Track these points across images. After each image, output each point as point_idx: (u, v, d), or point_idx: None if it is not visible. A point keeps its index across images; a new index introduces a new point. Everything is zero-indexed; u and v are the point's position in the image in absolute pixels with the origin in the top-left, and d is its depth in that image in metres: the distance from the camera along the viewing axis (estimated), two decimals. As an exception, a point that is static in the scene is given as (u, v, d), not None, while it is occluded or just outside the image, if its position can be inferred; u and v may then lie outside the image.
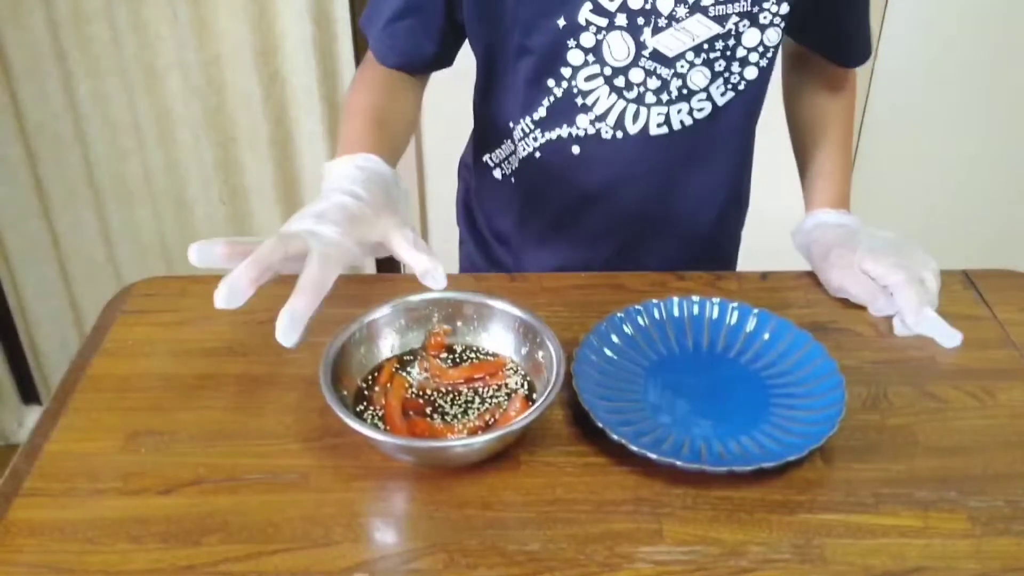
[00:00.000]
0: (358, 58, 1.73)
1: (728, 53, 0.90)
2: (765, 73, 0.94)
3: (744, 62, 0.92)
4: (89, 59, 1.70)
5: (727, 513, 0.68)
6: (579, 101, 0.92)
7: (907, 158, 1.89)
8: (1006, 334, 0.88)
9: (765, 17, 0.89)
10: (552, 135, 0.96)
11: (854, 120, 1.08)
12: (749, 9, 0.88)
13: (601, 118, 0.93)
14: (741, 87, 0.94)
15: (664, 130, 0.94)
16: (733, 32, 0.89)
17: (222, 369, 0.83)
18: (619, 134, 0.94)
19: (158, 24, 1.67)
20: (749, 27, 0.89)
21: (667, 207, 1.02)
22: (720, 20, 0.87)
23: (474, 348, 0.82)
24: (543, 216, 1.05)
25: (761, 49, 0.91)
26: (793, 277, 0.97)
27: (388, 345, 0.81)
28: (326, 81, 1.73)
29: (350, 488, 0.70)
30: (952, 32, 1.75)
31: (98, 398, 0.79)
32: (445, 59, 0.98)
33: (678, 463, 0.69)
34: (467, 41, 0.97)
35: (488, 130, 1.05)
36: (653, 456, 0.70)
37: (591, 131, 0.94)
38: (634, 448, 0.70)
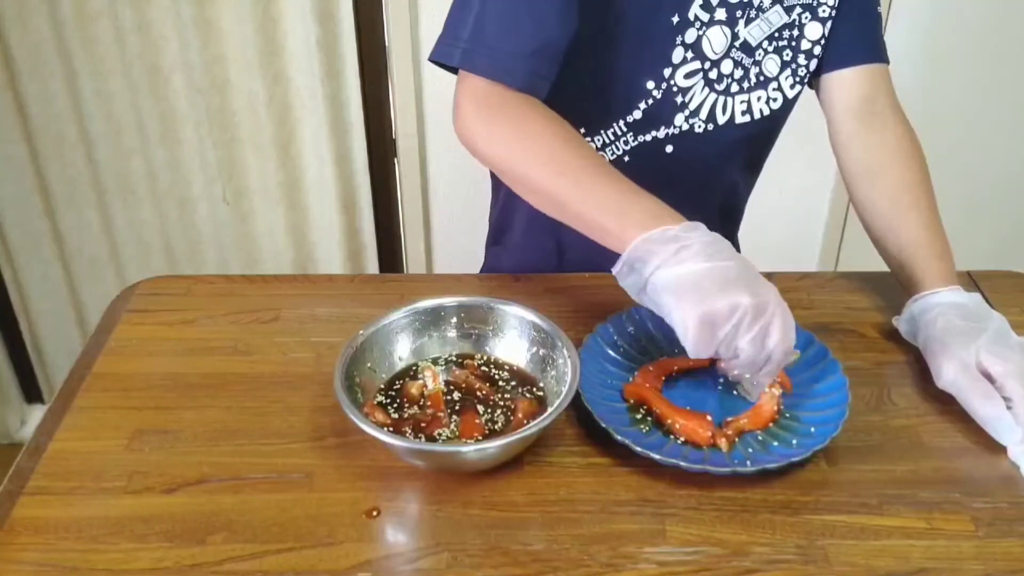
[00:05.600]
0: (362, 58, 1.73)
1: (794, 44, 0.95)
2: (818, 69, 0.97)
3: (809, 55, 0.96)
4: (93, 59, 1.70)
5: (731, 514, 0.68)
6: (678, 100, 0.93)
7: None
8: (1010, 336, 0.88)
9: (823, 11, 0.95)
10: (647, 137, 0.95)
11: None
12: (810, 2, 0.94)
13: (695, 113, 0.95)
14: (806, 80, 0.98)
15: (747, 119, 0.97)
16: (797, 23, 0.94)
17: (227, 368, 0.83)
18: (711, 126, 0.95)
19: (162, 24, 1.67)
20: (811, 20, 0.94)
21: (736, 191, 1.05)
22: (788, 11, 0.94)
23: (500, 364, 0.81)
24: None
25: (823, 42, 0.96)
26: (795, 278, 0.97)
27: (405, 349, 0.81)
28: (330, 81, 1.73)
29: (354, 487, 0.70)
30: (953, 34, 1.74)
31: (102, 397, 0.80)
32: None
33: (682, 464, 0.69)
34: None
35: None
36: (657, 457, 0.70)
37: (685, 127, 0.95)
38: (638, 449, 0.70)
